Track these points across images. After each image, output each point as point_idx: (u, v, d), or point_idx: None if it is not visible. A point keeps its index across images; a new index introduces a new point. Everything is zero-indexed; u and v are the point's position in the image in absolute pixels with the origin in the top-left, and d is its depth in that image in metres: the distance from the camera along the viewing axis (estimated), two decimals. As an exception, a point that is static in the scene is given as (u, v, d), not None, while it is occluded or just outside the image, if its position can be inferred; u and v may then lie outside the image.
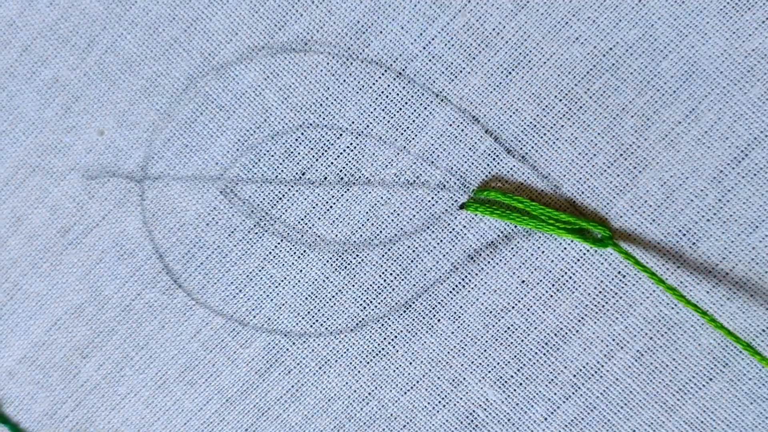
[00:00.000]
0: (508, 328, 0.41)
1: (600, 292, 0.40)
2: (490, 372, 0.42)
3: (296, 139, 0.43)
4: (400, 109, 0.42)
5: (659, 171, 0.40)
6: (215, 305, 0.44)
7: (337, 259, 0.43)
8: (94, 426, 0.46)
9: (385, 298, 0.42)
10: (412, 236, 0.42)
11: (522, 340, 0.41)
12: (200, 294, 0.44)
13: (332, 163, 0.43)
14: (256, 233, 0.44)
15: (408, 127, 0.42)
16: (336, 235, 0.43)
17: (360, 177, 0.42)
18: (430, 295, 0.42)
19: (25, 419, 0.46)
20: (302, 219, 0.43)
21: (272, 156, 0.44)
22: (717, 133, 0.39)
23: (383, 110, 0.42)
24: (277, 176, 0.43)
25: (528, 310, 0.41)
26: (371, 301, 0.43)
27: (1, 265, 0.46)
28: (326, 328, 0.43)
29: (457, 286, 0.42)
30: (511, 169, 0.41)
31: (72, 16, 0.45)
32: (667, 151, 0.40)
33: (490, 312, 0.42)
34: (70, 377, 0.46)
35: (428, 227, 0.42)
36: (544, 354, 0.41)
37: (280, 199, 0.43)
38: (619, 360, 0.40)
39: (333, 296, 0.43)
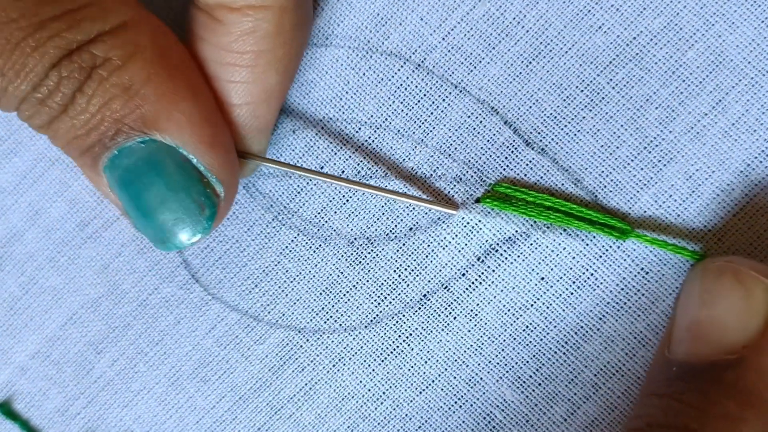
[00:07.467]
0: (527, 326, 0.40)
1: (622, 289, 0.39)
2: (508, 371, 0.40)
3: (316, 133, 0.43)
4: (419, 101, 0.42)
5: (684, 164, 0.39)
6: (231, 300, 0.43)
7: (352, 254, 0.42)
8: (106, 423, 0.45)
9: (400, 294, 0.41)
10: (427, 230, 0.41)
11: (541, 339, 0.40)
12: (217, 289, 0.44)
13: (350, 156, 0.42)
14: (274, 227, 0.43)
15: (426, 120, 0.41)
16: (351, 229, 0.42)
17: (377, 171, 0.42)
18: (446, 292, 0.41)
19: (36, 416, 0.46)
20: (319, 212, 0.43)
21: (293, 150, 0.43)
22: (744, 126, 0.38)
23: (402, 103, 0.42)
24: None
25: (547, 307, 0.40)
26: (386, 297, 0.42)
27: (17, 259, 0.46)
28: (340, 325, 0.42)
29: (474, 282, 0.41)
30: (531, 161, 0.40)
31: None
32: (692, 144, 0.39)
33: (508, 310, 0.40)
34: (84, 373, 0.45)
35: (444, 221, 0.41)
36: (564, 353, 0.40)
37: (299, 192, 0.43)
38: (641, 358, 0.39)
39: (347, 292, 0.42)
